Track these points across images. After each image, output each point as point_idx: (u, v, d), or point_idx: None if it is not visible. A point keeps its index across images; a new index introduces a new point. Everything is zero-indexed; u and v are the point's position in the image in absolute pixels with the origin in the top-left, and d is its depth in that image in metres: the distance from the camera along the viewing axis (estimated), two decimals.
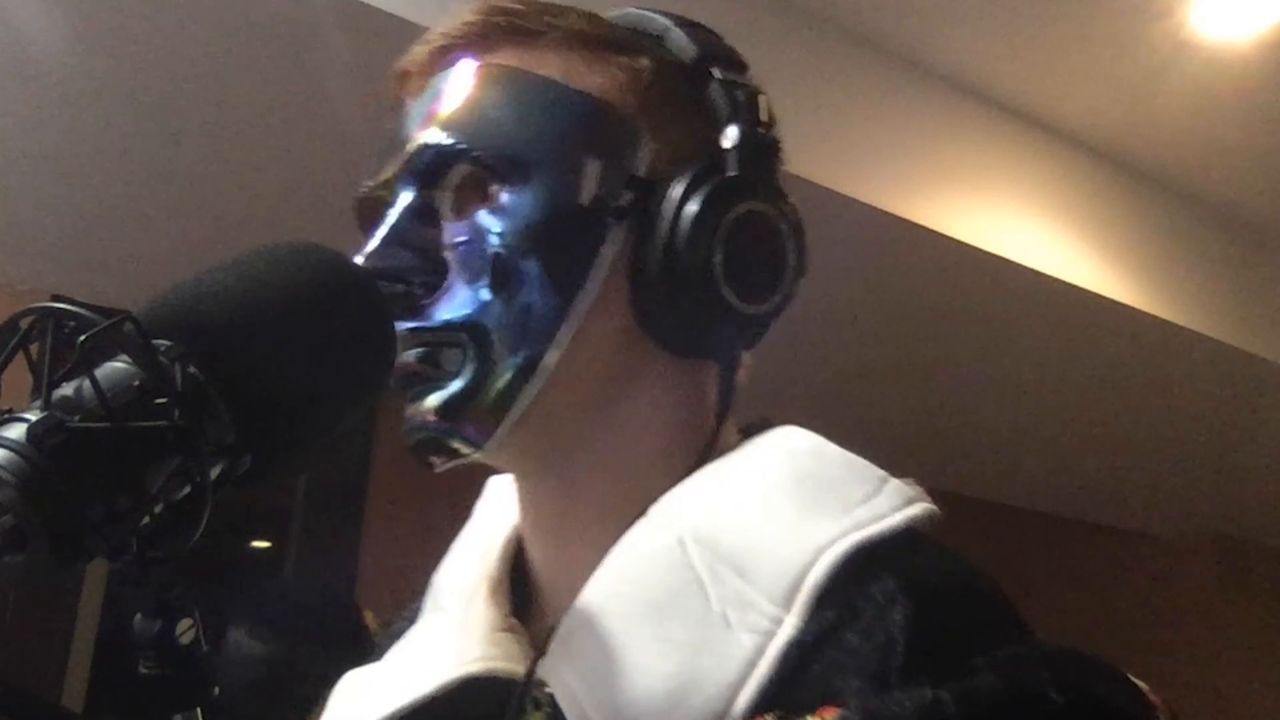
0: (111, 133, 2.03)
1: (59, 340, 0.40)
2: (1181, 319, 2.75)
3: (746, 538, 0.51)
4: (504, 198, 0.55)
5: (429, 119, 0.58)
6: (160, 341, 0.41)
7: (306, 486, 2.92)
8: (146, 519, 0.40)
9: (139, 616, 0.43)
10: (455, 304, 0.56)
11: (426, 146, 0.57)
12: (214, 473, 0.42)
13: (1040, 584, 4.18)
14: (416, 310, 0.56)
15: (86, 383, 0.39)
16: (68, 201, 2.29)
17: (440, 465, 0.58)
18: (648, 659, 0.48)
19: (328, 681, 0.64)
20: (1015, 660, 0.44)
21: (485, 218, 0.56)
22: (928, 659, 0.44)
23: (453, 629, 0.60)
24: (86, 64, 1.83)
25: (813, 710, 0.44)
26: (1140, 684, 0.45)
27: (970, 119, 2.48)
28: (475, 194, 0.57)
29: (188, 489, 0.41)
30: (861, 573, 0.48)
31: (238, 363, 0.43)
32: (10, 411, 0.38)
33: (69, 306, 0.40)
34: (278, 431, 0.45)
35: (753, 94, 0.60)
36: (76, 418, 0.38)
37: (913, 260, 2.44)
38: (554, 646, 0.52)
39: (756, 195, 0.58)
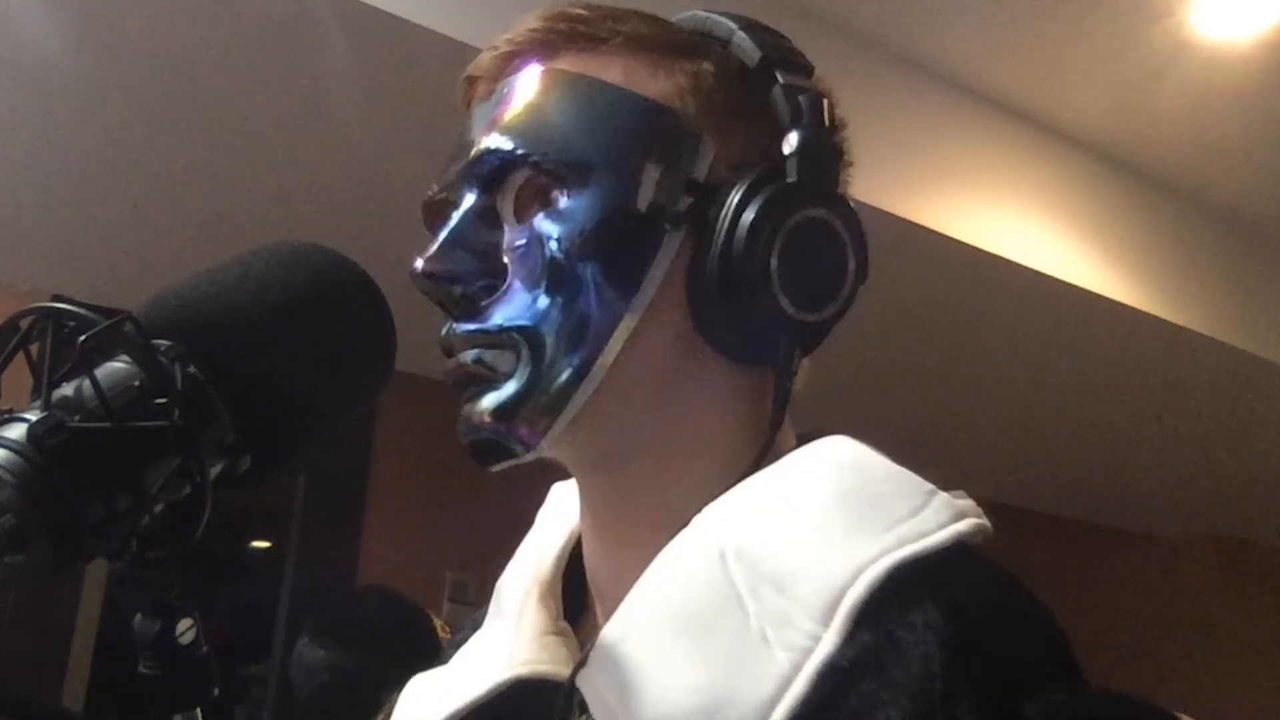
0: (111, 133, 2.03)
1: (59, 340, 0.40)
2: (1181, 319, 2.75)
3: (787, 554, 0.50)
4: (563, 203, 0.56)
5: (492, 124, 0.58)
6: (160, 341, 0.41)
7: (306, 486, 2.92)
8: (146, 519, 0.40)
9: (139, 616, 0.43)
10: (512, 307, 0.56)
11: (489, 151, 0.57)
12: (214, 473, 0.42)
13: (1040, 584, 4.17)
14: (475, 312, 0.56)
15: (86, 383, 0.39)
16: (68, 201, 2.29)
17: (495, 466, 0.58)
18: (683, 673, 0.48)
19: (393, 687, 0.65)
20: (1065, 707, 0.43)
21: (544, 222, 0.56)
22: (970, 698, 0.43)
23: (507, 633, 0.60)
24: (86, 64, 1.83)
25: None
26: None
27: (970, 119, 2.48)
28: (535, 199, 0.57)
29: (188, 489, 0.41)
30: (904, 594, 0.47)
31: (238, 363, 0.43)
32: (10, 411, 0.38)
33: (69, 306, 0.40)
34: (277, 431, 0.45)
35: (817, 98, 0.59)
36: (76, 418, 0.38)
37: (913, 260, 2.44)
38: (593, 656, 0.52)
39: (816, 202, 0.57)
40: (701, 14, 0.64)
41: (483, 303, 0.56)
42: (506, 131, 0.57)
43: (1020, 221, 2.52)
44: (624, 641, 0.51)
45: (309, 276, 0.47)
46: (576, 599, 0.63)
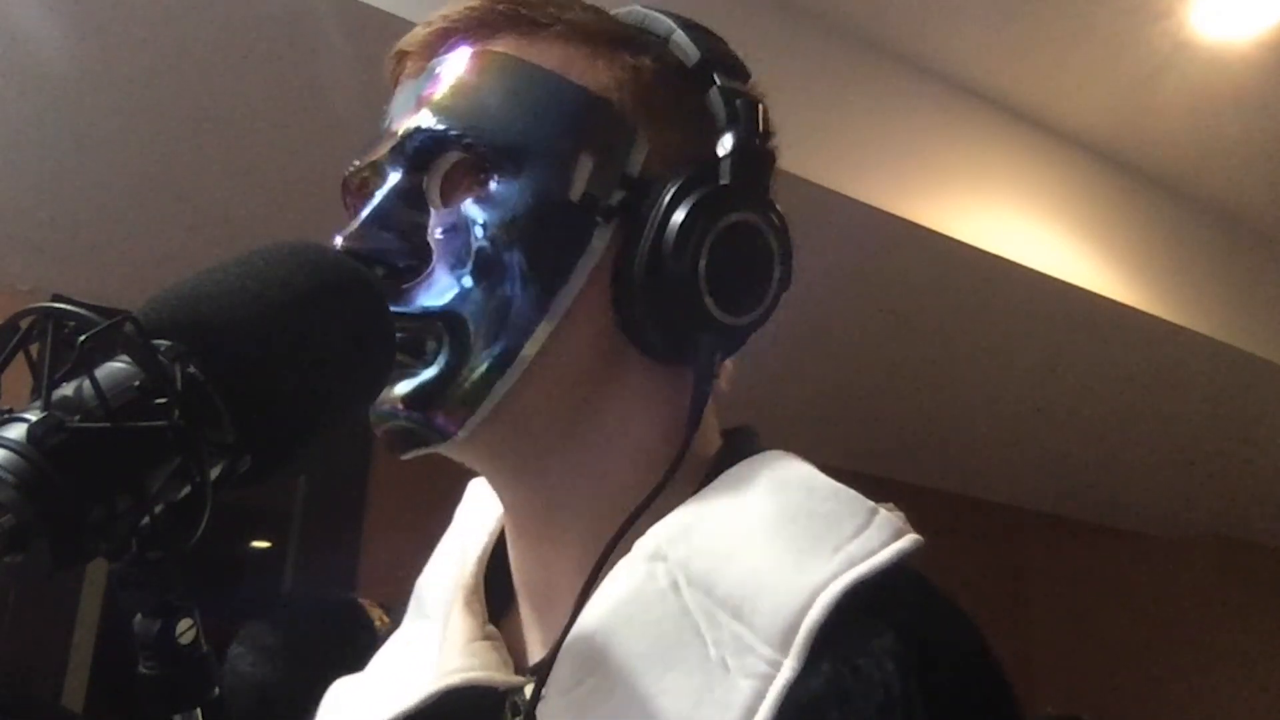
0: (112, 132, 2.03)
1: (59, 340, 0.40)
2: (1181, 319, 2.75)
3: (741, 580, 0.50)
4: (492, 187, 0.55)
5: (422, 102, 0.57)
6: (160, 341, 0.41)
7: (306, 486, 2.92)
8: (146, 519, 0.40)
9: (139, 616, 0.43)
10: (435, 292, 0.55)
11: (418, 130, 0.56)
12: (214, 473, 0.42)
13: (1040, 584, 4.18)
14: (395, 295, 0.55)
15: (86, 383, 0.39)
16: (68, 201, 2.29)
17: (407, 455, 0.57)
18: (648, 707, 0.48)
19: (320, 689, 0.64)
20: None
21: (472, 207, 0.55)
22: (924, 709, 0.45)
23: (433, 639, 0.60)
24: (86, 64, 1.83)
25: None
26: None
27: (970, 119, 2.48)
28: (464, 182, 0.56)
29: (188, 489, 0.41)
30: (858, 619, 0.48)
31: (238, 363, 0.43)
32: (10, 411, 0.38)
33: (69, 306, 0.40)
34: (278, 431, 0.45)
35: (752, 103, 0.59)
36: (76, 418, 0.38)
37: (913, 260, 2.44)
38: (552, 689, 0.51)
39: (747, 206, 0.57)
40: (640, 10, 0.63)
41: (404, 285, 0.55)
42: (439, 110, 0.56)
43: (1020, 221, 2.52)
44: (585, 673, 0.50)
45: (309, 276, 0.47)
46: (499, 596, 0.62)
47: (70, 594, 2.53)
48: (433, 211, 0.57)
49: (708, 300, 0.55)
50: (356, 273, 0.50)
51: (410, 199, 0.57)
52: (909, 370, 3.07)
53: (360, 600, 0.71)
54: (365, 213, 0.56)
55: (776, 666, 0.47)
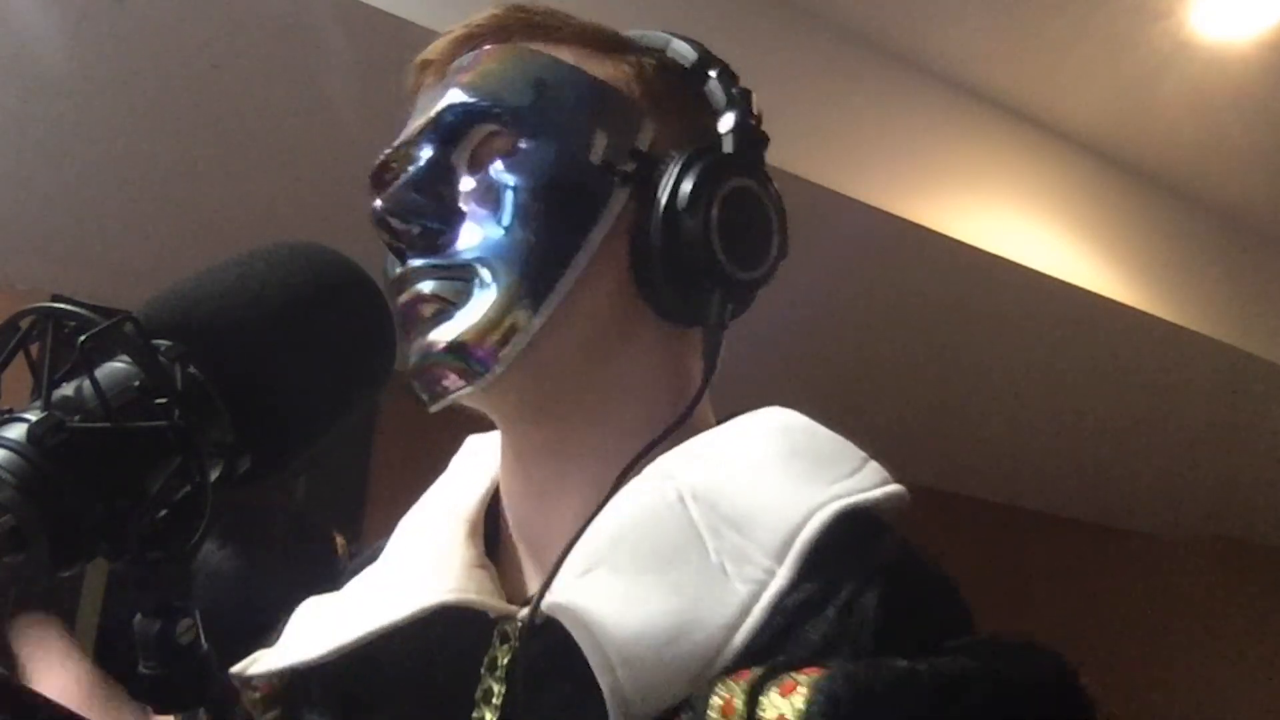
0: (111, 133, 2.03)
1: (59, 340, 0.40)
2: (1181, 319, 2.75)
3: (743, 499, 0.55)
4: (519, 153, 0.60)
5: (453, 86, 0.62)
6: (160, 341, 0.41)
7: (306, 486, 2.92)
8: (146, 519, 0.40)
9: (139, 616, 0.43)
10: (468, 243, 0.59)
11: (451, 105, 0.61)
12: (214, 473, 0.42)
13: (1040, 584, 4.18)
14: (431, 249, 0.60)
15: (86, 383, 0.39)
16: (68, 201, 2.29)
17: (444, 397, 0.60)
18: (654, 599, 0.52)
19: (293, 605, 0.66)
20: (981, 646, 0.50)
21: (501, 169, 0.60)
22: (897, 639, 0.49)
23: (428, 563, 0.62)
24: (86, 64, 1.83)
25: (797, 669, 0.48)
26: (1073, 669, 0.50)
27: (970, 119, 2.48)
28: (493, 151, 0.61)
29: (187, 489, 0.41)
30: (845, 546, 0.53)
31: (238, 363, 0.43)
32: (10, 411, 0.38)
33: (69, 306, 0.40)
34: (278, 431, 0.45)
35: (746, 92, 0.65)
36: (76, 418, 0.38)
37: (913, 260, 2.44)
38: (560, 583, 0.54)
39: (750, 173, 0.62)
40: (638, 30, 0.70)
41: (439, 240, 0.60)
42: (469, 88, 0.61)
43: (1020, 221, 2.52)
44: (593, 570, 0.54)
45: (309, 276, 0.47)
46: (490, 544, 0.65)
47: (70, 594, 2.53)
48: (463, 178, 0.61)
49: (720, 255, 0.59)
50: (356, 272, 0.50)
51: (442, 170, 0.61)
52: (909, 370, 3.07)
53: (329, 527, 0.72)
54: (401, 180, 0.61)
55: (771, 574, 0.52)
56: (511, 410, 0.63)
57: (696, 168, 0.60)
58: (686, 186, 0.60)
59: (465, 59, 0.64)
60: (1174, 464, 3.75)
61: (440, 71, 0.65)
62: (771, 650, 0.50)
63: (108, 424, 0.38)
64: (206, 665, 0.44)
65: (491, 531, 0.66)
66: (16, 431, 0.37)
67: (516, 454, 0.65)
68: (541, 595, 0.54)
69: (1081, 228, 2.63)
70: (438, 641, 0.59)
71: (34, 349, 0.41)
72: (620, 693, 0.50)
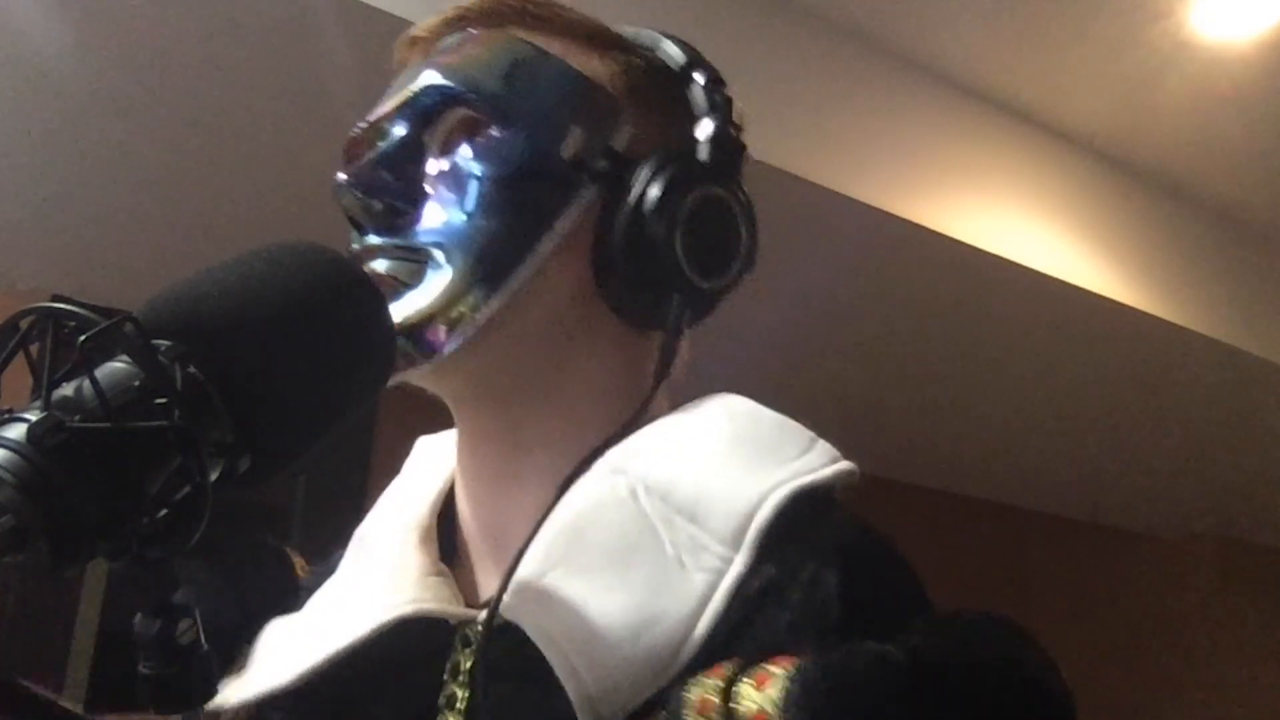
0: (112, 133, 2.03)
1: (59, 340, 0.40)
2: (1181, 319, 2.75)
3: (695, 488, 0.55)
4: (492, 139, 0.60)
5: (433, 66, 0.62)
6: (160, 342, 0.41)
7: (306, 486, 2.92)
8: (146, 519, 0.40)
9: (139, 616, 0.43)
10: (428, 225, 0.59)
11: (429, 87, 0.61)
12: (214, 473, 0.42)
13: (1040, 584, 4.18)
14: (391, 228, 0.60)
15: (86, 383, 0.39)
16: (68, 201, 2.29)
17: (391, 381, 0.59)
18: (612, 597, 0.52)
19: (250, 638, 0.64)
20: (949, 624, 0.49)
21: (469, 154, 0.60)
22: (860, 620, 0.49)
23: (383, 575, 0.62)
24: (87, 64, 1.83)
25: (768, 659, 0.48)
26: (1039, 645, 0.50)
27: (970, 119, 2.48)
28: (464, 136, 0.61)
29: (187, 489, 0.41)
30: (797, 526, 0.53)
31: (238, 363, 0.43)
32: (10, 411, 0.38)
33: (69, 306, 0.40)
34: (277, 431, 0.45)
35: (728, 99, 0.65)
36: (76, 418, 0.38)
37: (913, 260, 2.44)
38: (517, 586, 0.54)
39: (723, 182, 0.62)
40: (631, 28, 0.69)
41: (399, 220, 0.60)
42: (448, 71, 0.61)
43: (1020, 221, 2.52)
44: (548, 573, 0.54)
45: (309, 276, 0.47)
46: (445, 548, 0.65)
47: (70, 594, 2.53)
48: (431, 159, 0.61)
49: (681, 260, 0.59)
50: (356, 273, 0.50)
51: (412, 150, 0.61)
52: (909, 370, 3.07)
53: (285, 547, 0.71)
54: (370, 155, 0.61)
55: (728, 562, 0.52)
56: (462, 392, 0.63)
57: (668, 172, 0.60)
58: (656, 190, 0.59)
59: (451, 40, 0.63)
60: (1174, 464, 3.75)
61: (426, 50, 0.65)
62: (736, 639, 0.50)
63: (108, 424, 0.38)
64: (206, 665, 0.44)
65: (449, 531, 0.65)
66: (16, 431, 0.37)
67: (471, 443, 0.64)
68: (499, 599, 0.53)
69: (1081, 228, 2.63)
70: (401, 653, 0.58)
71: (34, 349, 0.41)
72: (586, 693, 0.50)
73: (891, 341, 2.88)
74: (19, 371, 0.41)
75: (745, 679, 0.47)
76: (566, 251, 0.60)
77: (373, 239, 0.60)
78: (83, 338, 0.39)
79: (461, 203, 0.59)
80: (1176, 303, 2.76)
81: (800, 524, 0.53)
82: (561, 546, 0.55)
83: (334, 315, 0.47)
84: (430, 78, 0.61)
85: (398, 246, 0.59)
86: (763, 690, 0.46)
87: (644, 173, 0.60)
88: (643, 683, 0.50)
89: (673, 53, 0.67)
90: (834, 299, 2.60)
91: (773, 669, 0.47)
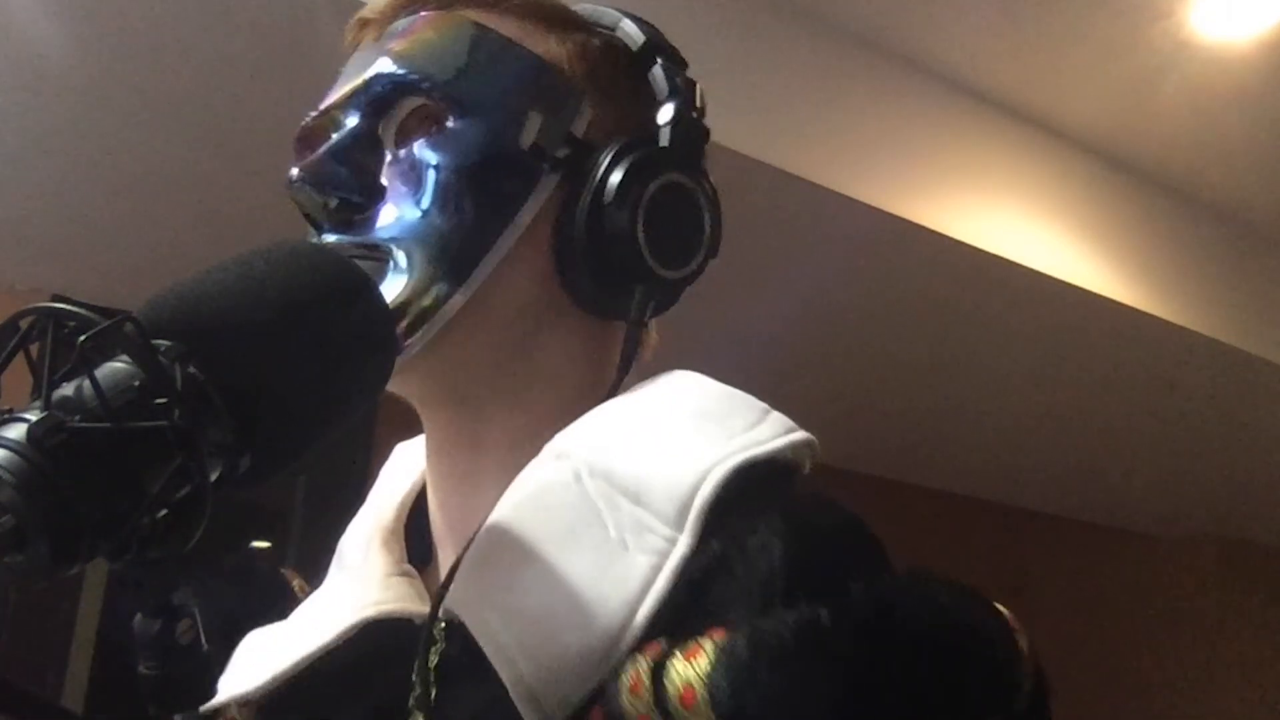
0: (112, 133, 2.03)
1: (59, 340, 0.40)
2: (1181, 319, 2.75)
3: (637, 466, 0.52)
4: (448, 128, 0.58)
5: (384, 53, 0.60)
6: (160, 342, 0.41)
7: (306, 486, 2.92)
8: (146, 519, 0.40)
9: (139, 616, 0.43)
10: (387, 222, 0.58)
11: (379, 75, 0.59)
12: (214, 473, 0.42)
13: (1040, 584, 4.18)
14: (348, 225, 0.58)
15: (86, 383, 0.39)
16: (68, 201, 2.29)
17: None
18: (553, 585, 0.50)
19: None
20: (888, 584, 0.47)
21: (427, 147, 0.58)
22: (805, 586, 0.46)
23: (351, 580, 0.62)
24: (87, 64, 1.83)
25: (704, 633, 0.45)
26: (1003, 609, 0.47)
27: (970, 119, 2.48)
28: (420, 127, 0.59)
29: (187, 489, 0.41)
30: (746, 500, 0.50)
31: (238, 363, 0.43)
32: (10, 411, 0.38)
33: (69, 306, 0.40)
34: (277, 432, 0.45)
35: (690, 82, 0.63)
36: (76, 418, 0.38)
37: (913, 260, 2.44)
38: (460, 579, 0.53)
39: (685, 169, 0.61)
40: (589, 5, 0.67)
41: (357, 216, 0.58)
42: (399, 59, 0.59)
43: (1020, 221, 2.52)
44: (490, 561, 0.52)
45: (309, 276, 0.47)
46: (420, 549, 0.64)
47: (70, 594, 2.53)
48: (387, 152, 0.60)
49: (644, 251, 0.58)
50: (356, 273, 0.50)
51: (367, 142, 0.60)
52: (909, 370, 3.07)
53: (282, 569, 0.71)
54: (323, 148, 0.59)
55: (673, 542, 0.50)
56: (425, 395, 0.62)
57: (628, 159, 0.58)
58: (615, 178, 0.58)
59: (402, 23, 0.62)
60: (1174, 464, 3.74)
61: (378, 32, 0.63)
62: (683, 620, 0.48)
63: (108, 424, 0.38)
64: (206, 665, 0.44)
65: (423, 532, 0.65)
66: (16, 431, 0.37)
67: (435, 443, 0.64)
68: (442, 594, 0.53)
69: (1081, 228, 2.63)
70: (370, 655, 0.58)
71: (34, 349, 0.41)
72: (524, 684, 0.48)
73: (891, 341, 2.88)
74: (19, 371, 0.41)
75: (677, 654, 0.45)
76: (527, 243, 0.59)
77: (330, 237, 0.59)
78: (83, 338, 0.39)
79: (419, 197, 0.58)
80: (1176, 303, 2.76)
81: (747, 498, 0.51)
82: (503, 535, 0.53)
83: (334, 315, 0.47)
84: (382, 65, 0.59)
85: (356, 244, 0.58)
86: (692, 663, 0.44)
87: (605, 160, 0.59)
88: (586, 671, 0.48)
89: (633, 33, 0.65)
90: (834, 299, 2.60)
91: (704, 641, 0.45)
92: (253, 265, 0.46)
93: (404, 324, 0.56)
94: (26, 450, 0.36)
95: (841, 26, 2.27)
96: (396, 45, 0.60)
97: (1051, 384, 3.13)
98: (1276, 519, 4.24)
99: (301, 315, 0.46)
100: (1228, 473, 3.79)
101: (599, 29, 0.65)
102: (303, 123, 0.63)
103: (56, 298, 0.41)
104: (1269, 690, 4.29)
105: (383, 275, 0.57)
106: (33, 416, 0.37)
